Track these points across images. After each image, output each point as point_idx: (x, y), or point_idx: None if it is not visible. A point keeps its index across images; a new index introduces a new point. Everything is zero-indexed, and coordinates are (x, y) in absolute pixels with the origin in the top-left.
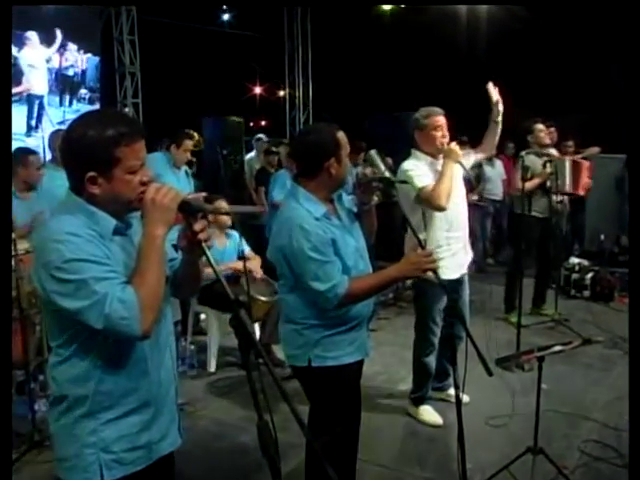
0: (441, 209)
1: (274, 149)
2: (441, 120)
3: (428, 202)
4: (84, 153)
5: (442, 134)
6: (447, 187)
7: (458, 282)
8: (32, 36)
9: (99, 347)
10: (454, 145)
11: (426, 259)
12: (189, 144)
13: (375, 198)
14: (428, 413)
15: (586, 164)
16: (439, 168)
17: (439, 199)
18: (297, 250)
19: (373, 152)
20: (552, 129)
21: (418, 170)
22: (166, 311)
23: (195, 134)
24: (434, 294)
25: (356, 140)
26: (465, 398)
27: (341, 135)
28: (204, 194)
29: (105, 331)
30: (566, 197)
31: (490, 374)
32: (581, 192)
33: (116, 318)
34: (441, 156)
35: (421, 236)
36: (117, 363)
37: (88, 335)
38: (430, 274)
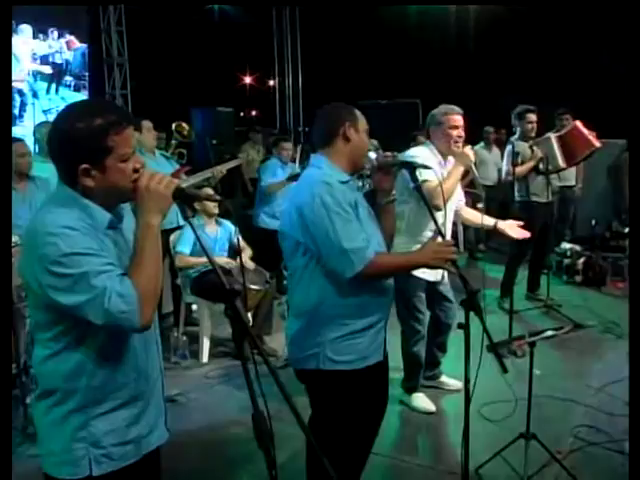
0: (436, 208)
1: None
2: (459, 119)
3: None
4: (75, 145)
5: (458, 133)
6: (449, 189)
7: (436, 284)
8: (15, 24)
9: (91, 340)
10: (468, 149)
11: (448, 249)
12: (149, 125)
13: (367, 185)
14: (421, 400)
15: (577, 124)
16: (444, 173)
17: (438, 198)
18: (319, 205)
19: None
20: (567, 116)
21: (427, 162)
22: None
23: (185, 125)
24: (415, 285)
25: None
26: (457, 384)
27: (357, 111)
28: (188, 167)
29: (105, 326)
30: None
31: (505, 371)
32: (597, 144)
33: (116, 312)
34: (450, 158)
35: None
36: (109, 357)
37: (80, 329)
38: (449, 265)
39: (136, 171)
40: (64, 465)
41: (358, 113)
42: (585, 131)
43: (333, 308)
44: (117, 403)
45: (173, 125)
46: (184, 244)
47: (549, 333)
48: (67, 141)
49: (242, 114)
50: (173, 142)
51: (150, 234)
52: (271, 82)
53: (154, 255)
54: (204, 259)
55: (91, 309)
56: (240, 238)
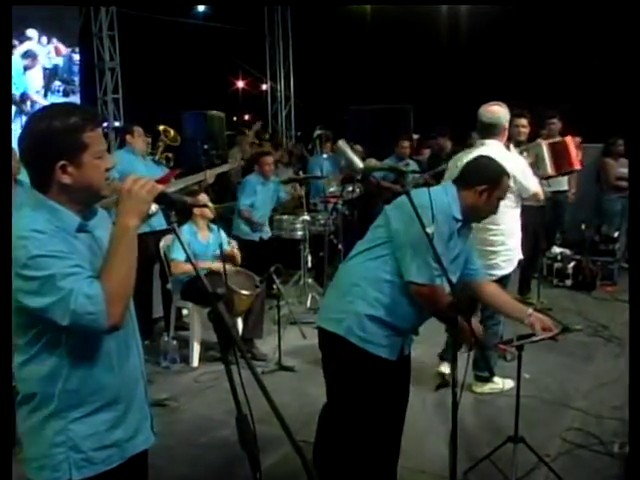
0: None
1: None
2: None
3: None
4: (53, 142)
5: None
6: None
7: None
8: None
9: (65, 344)
10: None
11: None
12: (139, 130)
13: (357, 190)
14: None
15: (569, 139)
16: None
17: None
18: (436, 222)
19: (341, 142)
20: (554, 120)
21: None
22: (130, 306)
23: (171, 130)
24: None
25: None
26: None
27: (505, 179)
28: (178, 171)
29: (72, 327)
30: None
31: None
32: (578, 167)
33: (82, 313)
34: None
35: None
36: (84, 360)
37: (54, 332)
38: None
39: (107, 170)
40: (44, 470)
41: (504, 182)
42: (573, 151)
43: (373, 291)
44: (95, 406)
45: (160, 128)
46: (178, 251)
47: (537, 337)
48: (44, 140)
49: (235, 118)
50: (160, 144)
51: (126, 235)
52: (264, 86)
53: (128, 257)
54: (199, 265)
55: (57, 311)
56: (232, 243)
